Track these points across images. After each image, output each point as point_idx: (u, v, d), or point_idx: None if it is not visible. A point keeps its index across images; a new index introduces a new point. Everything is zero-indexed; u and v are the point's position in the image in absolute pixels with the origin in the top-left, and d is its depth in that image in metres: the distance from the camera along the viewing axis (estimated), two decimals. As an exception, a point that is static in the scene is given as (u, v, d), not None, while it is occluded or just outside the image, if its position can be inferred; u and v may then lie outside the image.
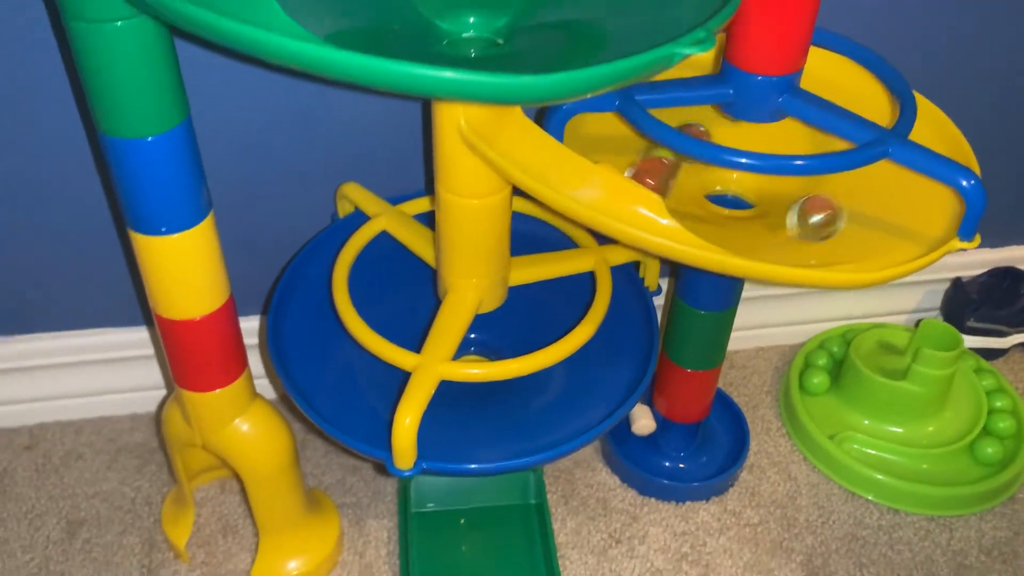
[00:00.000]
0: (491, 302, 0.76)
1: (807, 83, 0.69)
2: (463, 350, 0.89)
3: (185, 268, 0.66)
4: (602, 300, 0.77)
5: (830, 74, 0.77)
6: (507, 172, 0.63)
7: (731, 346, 1.11)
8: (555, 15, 0.64)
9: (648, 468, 0.95)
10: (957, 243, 0.65)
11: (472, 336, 0.90)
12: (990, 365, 1.07)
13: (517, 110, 0.64)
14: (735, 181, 0.82)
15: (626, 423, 0.95)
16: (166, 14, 0.50)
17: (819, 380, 1.03)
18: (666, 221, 0.61)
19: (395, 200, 0.87)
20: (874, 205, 0.72)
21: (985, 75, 0.95)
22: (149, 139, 0.59)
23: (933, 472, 0.96)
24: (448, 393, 0.74)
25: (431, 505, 0.90)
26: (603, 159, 0.64)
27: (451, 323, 0.73)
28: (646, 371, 0.79)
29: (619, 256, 0.84)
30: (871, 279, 0.64)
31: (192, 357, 0.72)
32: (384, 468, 0.76)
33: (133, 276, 0.93)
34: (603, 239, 0.84)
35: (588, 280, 0.82)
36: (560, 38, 0.62)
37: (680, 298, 0.85)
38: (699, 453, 0.97)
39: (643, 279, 0.87)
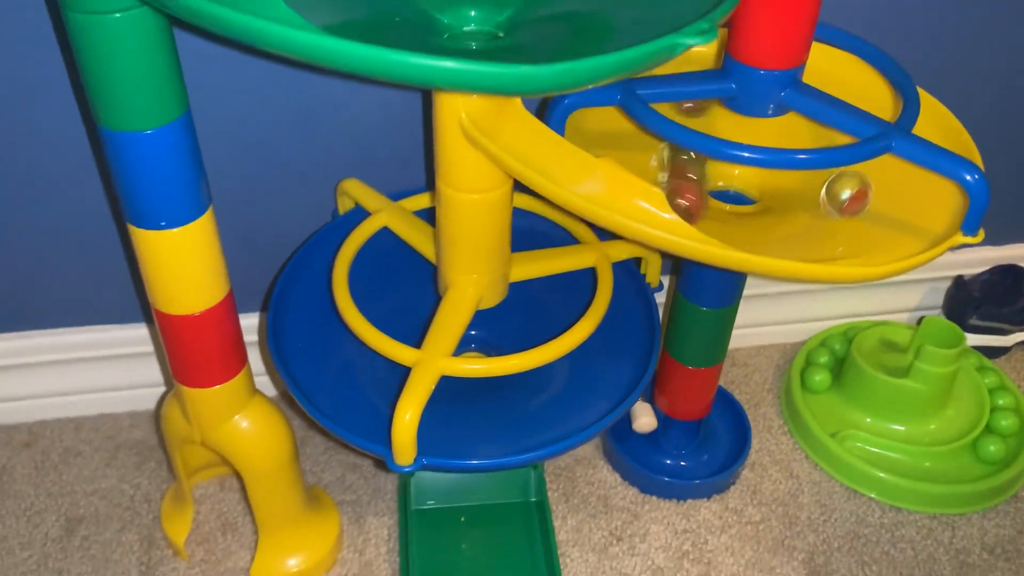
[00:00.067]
0: (492, 298, 0.76)
1: (810, 78, 0.69)
2: (463, 346, 0.89)
3: (184, 263, 0.66)
4: (603, 296, 0.77)
5: (833, 69, 0.77)
6: (508, 166, 0.63)
7: (733, 343, 1.10)
8: (556, 8, 0.63)
9: (649, 466, 0.95)
10: (961, 238, 0.64)
11: (473, 332, 0.89)
12: (992, 363, 1.06)
13: (518, 104, 0.64)
14: (737, 177, 0.82)
15: (627, 420, 0.95)
16: (166, 4, 0.50)
17: (821, 378, 1.03)
18: (667, 215, 0.61)
19: (396, 196, 0.86)
20: (877, 200, 0.72)
21: (987, 72, 0.95)
22: (148, 132, 0.59)
23: (935, 470, 0.96)
24: (448, 389, 0.73)
25: (431, 502, 0.89)
26: (605, 155, 0.64)
27: (451, 319, 0.73)
28: (647, 368, 0.78)
29: (620, 252, 0.83)
30: (874, 273, 0.63)
31: (191, 353, 0.71)
32: (384, 464, 0.75)
33: (132, 273, 0.92)
34: (604, 235, 0.84)
35: (589, 276, 0.82)
36: (562, 31, 0.62)
37: (682, 294, 0.85)
38: (700, 451, 0.97)
39: (645, 275, 0.87)
